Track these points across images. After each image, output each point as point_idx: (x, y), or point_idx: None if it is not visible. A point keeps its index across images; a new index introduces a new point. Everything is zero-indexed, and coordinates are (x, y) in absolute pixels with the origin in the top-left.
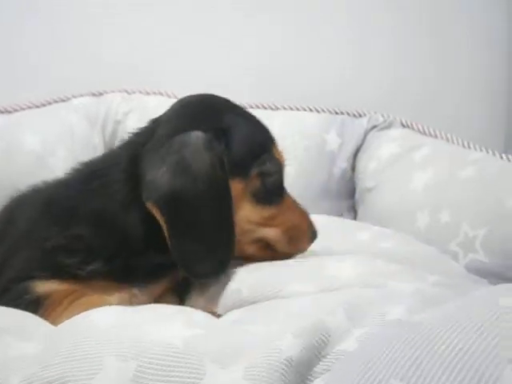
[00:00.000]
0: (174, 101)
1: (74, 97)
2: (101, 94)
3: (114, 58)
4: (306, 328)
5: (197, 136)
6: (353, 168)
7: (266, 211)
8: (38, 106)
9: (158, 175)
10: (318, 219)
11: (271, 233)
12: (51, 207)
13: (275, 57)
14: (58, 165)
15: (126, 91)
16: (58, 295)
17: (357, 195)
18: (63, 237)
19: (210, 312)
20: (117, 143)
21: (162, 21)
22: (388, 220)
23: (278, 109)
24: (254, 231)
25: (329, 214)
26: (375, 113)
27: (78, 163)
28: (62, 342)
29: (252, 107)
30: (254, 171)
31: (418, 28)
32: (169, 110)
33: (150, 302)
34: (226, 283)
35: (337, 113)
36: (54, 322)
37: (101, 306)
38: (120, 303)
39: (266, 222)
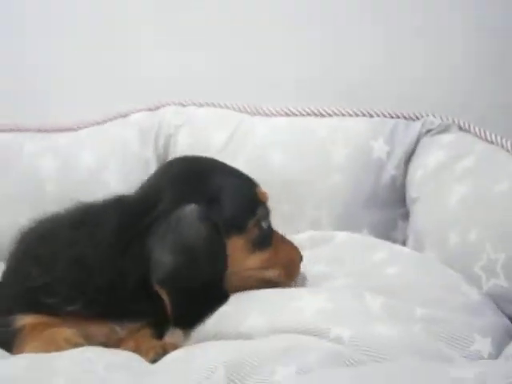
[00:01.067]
0: (225, 111)
1: (133, 112)
2: (157, 108)
3: (171, 71)
4: None
5: (191, 210)
6: (405, 175)
7: (265, 254)
8: (99, 123)
9: (162, 257)
10: (341, 236)
11: (271, 273)
12: (38, 246)
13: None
14: (112, 179)
15: (182, 104)
16: (29, 327)
17: (407, 205)
18: (46, 277)
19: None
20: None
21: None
22: (423, 235)
23: (323, 115)
24: (256, 275)
25: (381, 222)
26: (434, 116)
27: (76, 203)
28: None
29: (295, 114)
30: (251, 223)
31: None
32: (157, 177)
33: (129, 336)
34: None
35: (391, 116)
36: (25, 351)
37: (63, 339)
38: (98, 337)
39: (266, 265)
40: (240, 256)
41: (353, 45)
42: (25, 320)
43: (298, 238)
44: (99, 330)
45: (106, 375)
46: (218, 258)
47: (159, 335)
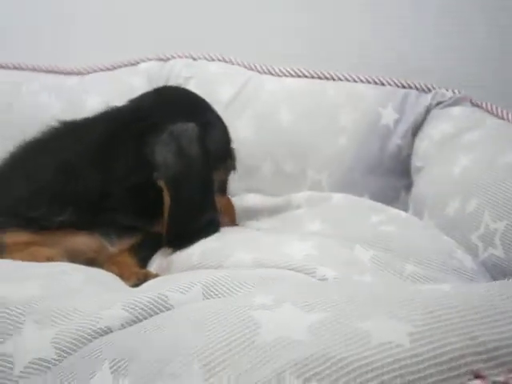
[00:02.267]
0: (236, 67)
1: (143, 61)
2: (168, 59)
3: (184, 23)
4: (140, 302)
5: (192, 127)
6: (411, 146)
7: (223, 200)
8: (109, 69)
9: (167, 160)
10: (338, 197)
11: (223, 220)
12: (23, 161)
13: (338, 24)
14: None
15: (192, 57)
16: (11, 245)
17: (412, 175)
18: (28, 188)
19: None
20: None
21: None
22: (423, 204)
23: (334, 79)
24: None
25: (383, 190)
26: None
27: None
28: None
29: (306, 76)
30: (222, 167)
31: None
32: (151, 97)
33: (114, 259)
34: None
35: (403, 86)
36: None
37: (44, 257)
38: (86, 252)
39: (221, 210)
40: None
41: (370, 13)
42: (13, 237)
43: (295, 197)
44: (88, 244)
45: (81, 286)
46: (208, 175)
47: (143, 263)
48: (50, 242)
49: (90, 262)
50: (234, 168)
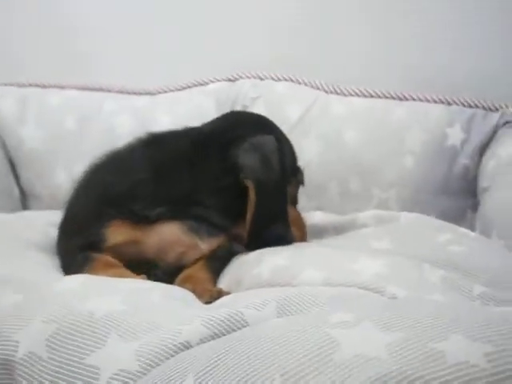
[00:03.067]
0: (302, 87)
1: (212, 81)
2: (236, 80)
3: (252, 44)
4: (217, 318)
5: (272, 139)
6: (478, 166)
7: (293, 212)
8: (178, 90)
9: (252, 163)
10: (408, 216)
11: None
12: (118, 161)
13: (404, 43)
14: None
15: (259, 77)
16: (101, 262)
17: (478, 195)
18: (130, 183)
19: (226, 292)
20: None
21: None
22: (491, 224)
23: (400, 99)
24: None
25: (450, 210)
26: None
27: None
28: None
29: (372, 96)
30: (294, 180)
31: None
32: (225, 117)
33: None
34: (253, 264)
35: (470, 105)
36: None
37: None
38: (178, 246)
39: (292, 220)
40: None
41: (436, 35)
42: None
43: (362, 216)
44: (181, 238)
45: (159, 301)
46: (284, 184)
47: (215, 275)
48: (147, 234)
49: (180, 257)
50: (302, 183)
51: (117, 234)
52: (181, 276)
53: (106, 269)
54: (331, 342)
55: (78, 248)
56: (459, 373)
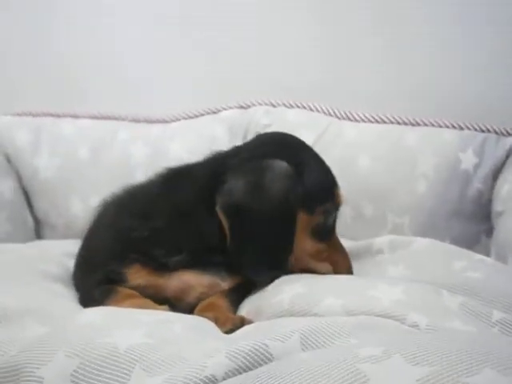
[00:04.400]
0: (315, 114)
1: (224, 109)
2: (248, 107)
3: (263, 71)
4: (242, 351)
5: (281, 164)
6: (491, 190)
7: (319, 245)
8: (191, 117)
9: (234, 187)
10: (422, 242)
11: (323, 267)
12: (135, 202)
13: (416, 68)
14: None
15: (272, 104)
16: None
17: (492, 219)
18: (149, 230)
19: (248, 320)
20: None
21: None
22: (507, 248)
23: (413, 125)
24: (306, 262)
25: (464, 235)
26: None
27: (163, 168)
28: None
29: (385, 121)
30: (320, 209)
31: None
32: (251, 141)
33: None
34: (272, 293)
35: (482, 130)
36: None
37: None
38: (200, 287)
39: (320, 257)
40: (300, 235)
41: (448, 59)
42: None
43: (377, 241)
44: (200, 280)
45: (181, 332)
46: (286, 216)
47: (234, 306)
48: (167, 279)
49: (201, 298)
50: (335, 211)
51: (137, 276)
52: (200, 305)
53: (126, 299)
54: (362, 377)
55: (97, 282)
56: None
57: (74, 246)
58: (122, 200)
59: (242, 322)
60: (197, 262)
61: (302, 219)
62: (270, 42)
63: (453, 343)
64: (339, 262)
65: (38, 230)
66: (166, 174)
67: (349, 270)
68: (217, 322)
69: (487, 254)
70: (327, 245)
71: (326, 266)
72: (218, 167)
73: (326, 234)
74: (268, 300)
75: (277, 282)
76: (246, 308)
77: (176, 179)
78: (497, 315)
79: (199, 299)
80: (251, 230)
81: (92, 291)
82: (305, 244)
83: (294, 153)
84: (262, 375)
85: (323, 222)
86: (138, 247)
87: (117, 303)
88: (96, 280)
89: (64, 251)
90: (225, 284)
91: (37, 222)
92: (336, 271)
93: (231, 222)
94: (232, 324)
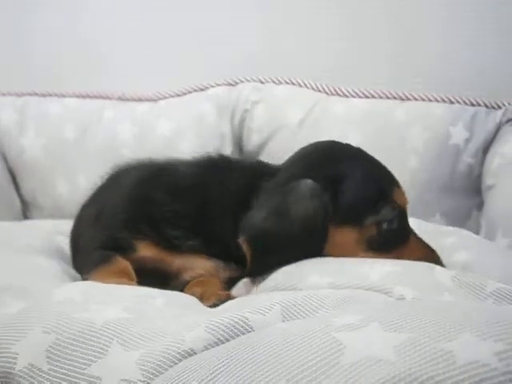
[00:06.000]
0: (303, 90)
1: (212, 86)
2: (236, 84)
3: (251, 47)
4: (221, 324)
5: (305, 184)
6: (482, 164)
7: (388, 256)
8: (178, 95)
9: (257, 215)
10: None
11: None
12: (167, 177)
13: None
14: (186, 150)
15: (260, 80)
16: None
17: (482, 193)
18: (174, 211)
19: (227, 295)
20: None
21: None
22: (496, 222)
23: (402, 99)
24: None
25: (455, 209)
26: None
27: (206, 153)
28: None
29: (374, 96)
30: (369, 220)
31: None
32: (292, 156)
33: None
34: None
35: (472, 104)
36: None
37: None
38: (200, 272)
39: None
40: (351, 249)
41: (437, 33)
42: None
43: None
44: (206, 266)
45: (162, 307)
46: (312, 237)
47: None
48: (174, 258)
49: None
50: (394, 215)
51: (147, 250)
52: (192, 282)
53: (114, 277)
54: (338, 345)
55: (101, 245)
56: (470, 373)
57: (62, 224)
58: (150, 170)
59: (228, 297)
60: (209, 250)
61: (350, 234)
62: (257, 18)
63: (433, 311)
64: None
65: (26, 212)
66: (204, 161)
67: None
68: (203, 296)
69: (478, 229)
70: (400, 252)
71: None
72: (254, 180)
73: (390, 243)
74: (257, 281)
75: None
76: (237, 286)
77: (213, 171)
78: (491, 286)
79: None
80: (273, 257)
81: (92, 253)
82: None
83: (329, 165)
84: (238, 345)
85: (379, 232)
86: (156, 223)
87: (105, 275)
88: (100, 242)
89: (52, 228)
90: (226, 273)
91: (24, 203)
92: None
93: (253, 252)
94: (217, 298)
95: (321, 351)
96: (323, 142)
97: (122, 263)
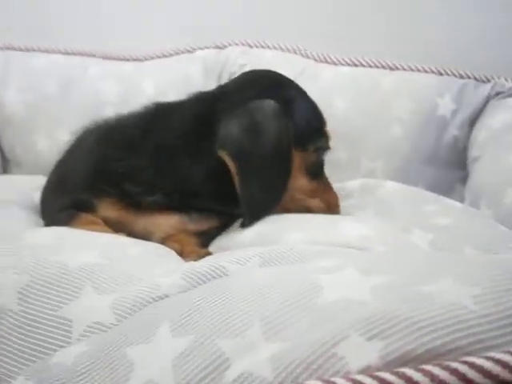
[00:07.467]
0: (292, 55)
1: (200, 48)
2: (224, 47)
3: (240, 11)
4: (198, 272)
5: (269, 104)
6: (468, 138)
7: (312, 183)
8: (165, 56)
9: (233, 131)
10: (393, 186)
11: (315, 204)
12: (119, 134)
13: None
14: None
15: (249, 44)
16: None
17: (468, 166)
18: (130, 165)
19: (207, 252)
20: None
21: None
22: (480, 194)
23: (391, 69)
24: (302, 200)
25: (438, 181)
26: (506, 79)
27: (151, 103)
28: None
29: (363, 65)
30: (312, 147)
31: None
32: (235, 81)
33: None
34: (237, 231)
35: (461, 76)
36: None
37: None
38: (166, 228)
39: (313, 194)
40: (295, 174)
41: (428, 5)
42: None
43: (349, 184)
44: (168, 221)
45: (139, 257)
46: (283, 156)
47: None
48: (137, 218)
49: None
50: (326, 148)
51: (107, 209)
52: (169, 238)
53: (88, 225)
54: (315, 287)
55: (64, 207)
56: (447, 314)
57: (40, 180)
58: (105, 129)
59: (207, 255)
60: (171, 204)
61: (297, 157)
62: None
63: (410, 259)
64: (330, 200)
65: (6, 167)
66: (153, 110)
67: (337, 209)
68: (182, 253)
69: (462, 201)
70: (319, 183)
71: (318, 202)
72: (206, 110)
73: (319, 171)
74: (233, 238)
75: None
76: (212, 247)
77: (164, 117)
78: (468, 251)
79: (164, 240)
80: (255, 172)
81: (57, 215)
82: (300, 182)
83: (281, 90)
84: (211, 287)
85: (316, 159)
86: (114, 181)
87: (78, 227)
88: (64, 205)
89: (30, 184)
90: (194, 226)
91: (4, 158)
92: (327, 209)
93: (239, 165)
94: (197, 255)
95: (297, 292)
96: (261, 70)
97: (90, 217)
